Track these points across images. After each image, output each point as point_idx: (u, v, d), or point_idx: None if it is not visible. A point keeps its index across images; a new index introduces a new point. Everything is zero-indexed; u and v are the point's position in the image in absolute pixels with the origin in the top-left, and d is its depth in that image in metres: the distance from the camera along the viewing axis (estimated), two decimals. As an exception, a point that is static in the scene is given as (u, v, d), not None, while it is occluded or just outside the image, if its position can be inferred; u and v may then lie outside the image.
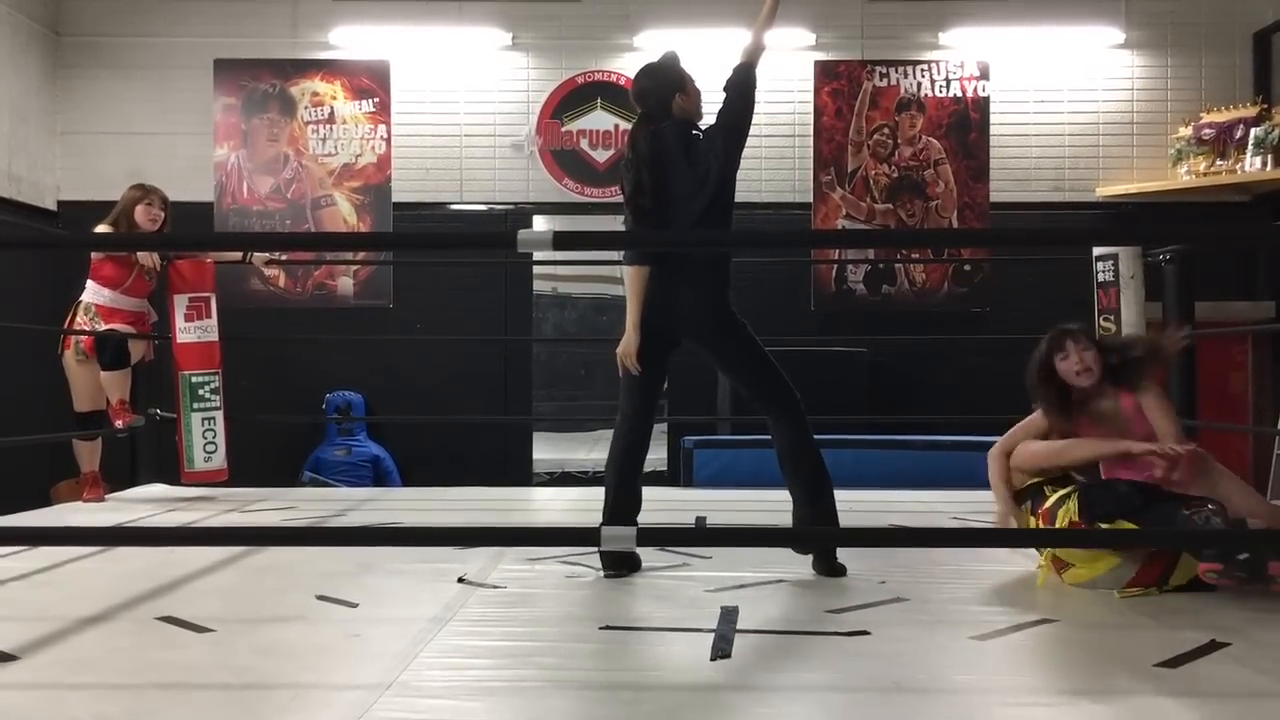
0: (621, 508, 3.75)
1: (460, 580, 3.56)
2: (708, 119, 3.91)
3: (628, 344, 3.75)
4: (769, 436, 3.82)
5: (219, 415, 5.92)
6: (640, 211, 3.74)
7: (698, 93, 3.88)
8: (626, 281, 3.80)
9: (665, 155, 3.74)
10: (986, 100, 8.16)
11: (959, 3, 8.16)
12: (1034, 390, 3.88)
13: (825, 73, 8.18)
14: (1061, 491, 3.56)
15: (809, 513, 3.71)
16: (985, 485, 3.89)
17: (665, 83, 3.82)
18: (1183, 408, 5.85)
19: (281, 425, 8.00)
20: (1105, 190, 8.12)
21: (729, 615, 3.10)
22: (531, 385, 8.51)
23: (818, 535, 3.79)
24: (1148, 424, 3.69)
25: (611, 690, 2.48)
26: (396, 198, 8.18)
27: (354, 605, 3.27)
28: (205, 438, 5.88)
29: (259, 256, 6.38)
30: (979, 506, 5.01)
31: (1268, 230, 6.29)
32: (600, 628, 3.00)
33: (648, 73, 3.88)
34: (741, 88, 3.83)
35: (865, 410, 7.36)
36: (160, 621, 3.06)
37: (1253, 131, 7.58)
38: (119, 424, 5.55)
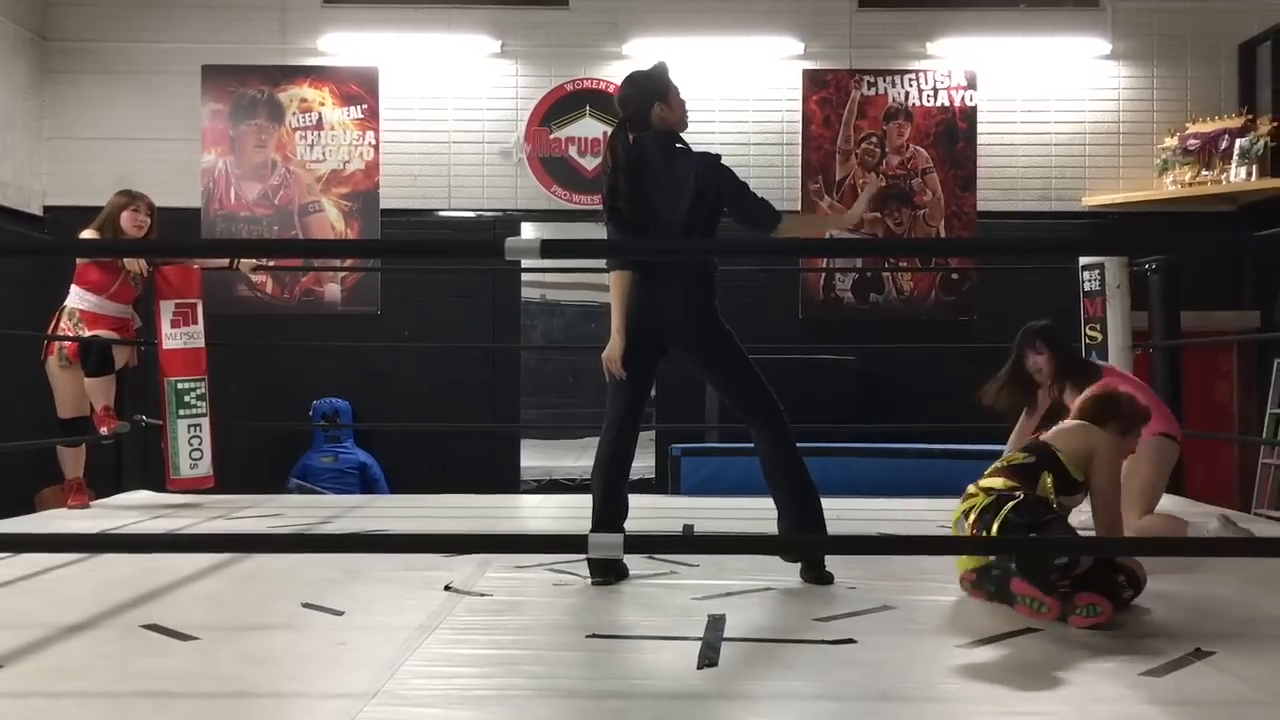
0: (608, 514, 3.76)
1: (447, 588, 3.55)
2: (705, 139, 3.89)
3: (612, 349, 3.75)
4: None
5: (205, 422, 5.90)
6: (616, 214, 3.75)
7: (681, 104, 3.84)
8: (610, 287, 3.80)
9: (643, 165, 3.74)
10: (974, 110, 8.20)
11: (946, 13, 8.20)
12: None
13: (813, 81, 8.20)
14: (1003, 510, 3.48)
15: (797, 522, 3.72)
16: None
17: (647, 91, 3.81)
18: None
19: (268, 432, 7.98)
20: (1092, 200, 8.16)
21: (716, 623, 3.10)
22: (519, 392, 8.50)
23: (804, 543, 3.79)
24: None
25: (598, 698, 2.48)
26: (384, 204, 8.18)
27: (340, 613, 3.26)
28: (191, 444, 5.86)
29: (246, 261, 6.38)
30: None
31: (1252, 240, 6.32)
32: (587, 635, 3.00)
33: (632, 80, 3.87)
34: (770, 226, 3.81)
35: (853, 418, 7.37)
36: (145, 629, 3.05)
37: (1238, 142, 7.63)
38: (103, 430, 5.52)
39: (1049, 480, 3.37)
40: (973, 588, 2.98)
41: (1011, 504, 3.24)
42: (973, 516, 3.33)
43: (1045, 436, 3.58)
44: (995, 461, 3.58)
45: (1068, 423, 3.64)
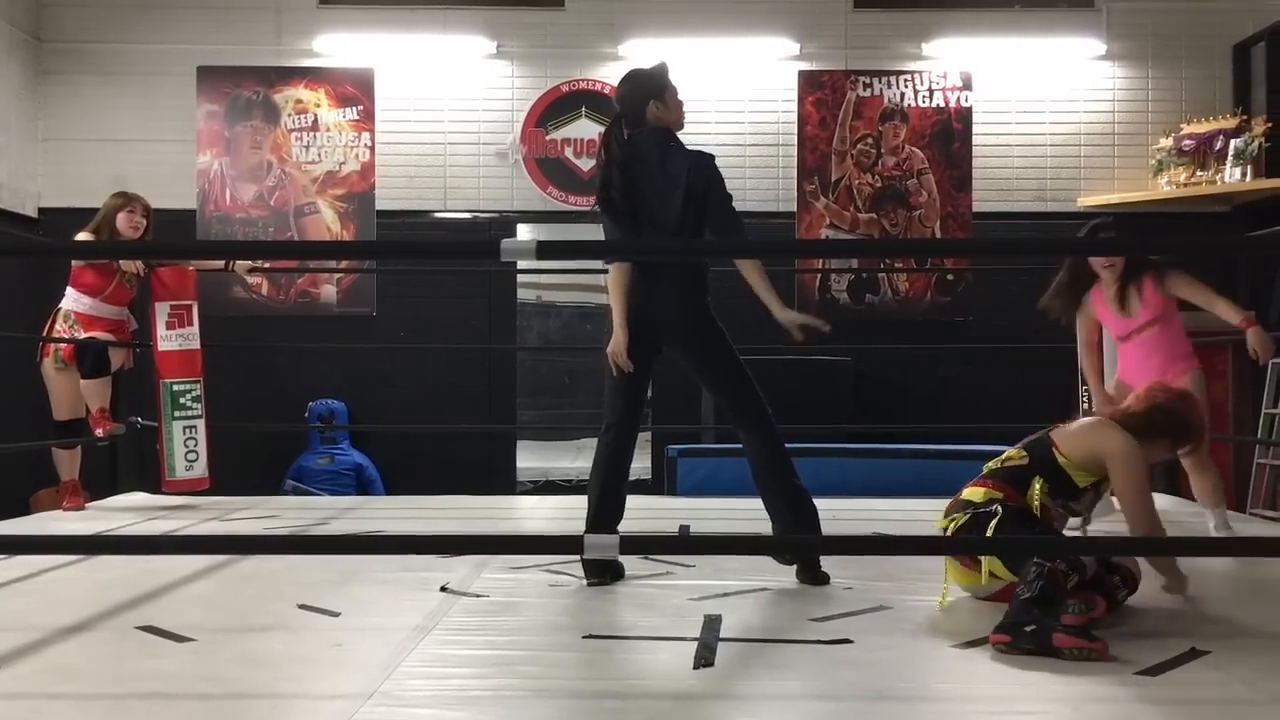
0: (604, 515, 3.76)
1: (443, 589, 3.55)
2: (701, 140, 3.89)
3: (616, 343, 3.76)
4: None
5: (200, 423, 5.89)
6: (610, 205, 3.77)
7: (678, 104, 3.85)
8: (609, 281, 3.81)
9: (637, 160, 3.75)
10: (969, 110, 8.21)
11: (942, 13, 8.21)
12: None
13: (809, 83, 8.21)
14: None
15: (792, 523, 3.71)
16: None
17: (643, 89, 3.82)
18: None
19: (264, 433, 7.97)
20: (1087, 200, 8.17)
21: (712, 624, 3.10)
22: (515, 394, 8.50)
23: (800, 543, 3.79)
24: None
25: (595, 699, 2.48)
26: (380, 205, 8.17)
27: (336, 614, 3.26)
28: (187, 446, 5.86)
29: (241, 263, 6.39)
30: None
31: (1246, 240, 6.34)
32: (583, 636, 3.00)
33: (630, 78, 3.89)
34: (735, 232, 3.81)
35: (849, 418, 7.38)
36: (140, 631, 3.05)
37: (1232, 143, 7.64)
38: (99, 432, 5.52)
39: (1038, 486, 3.29)
40: (1009, 648, 2.81)
41: (994, 523, 3.19)
42: (950, 532, 3.31)
43: (1055, 433, 3.44)
44: (990, 462, 3.49)
45: (1084, 420, 3.49)
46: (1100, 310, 4.76)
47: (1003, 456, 3.48)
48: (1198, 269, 4.76)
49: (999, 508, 3.23)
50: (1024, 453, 3.42)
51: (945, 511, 3.43)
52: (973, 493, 3.35)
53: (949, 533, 3.33)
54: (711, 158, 3.79)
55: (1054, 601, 2.86)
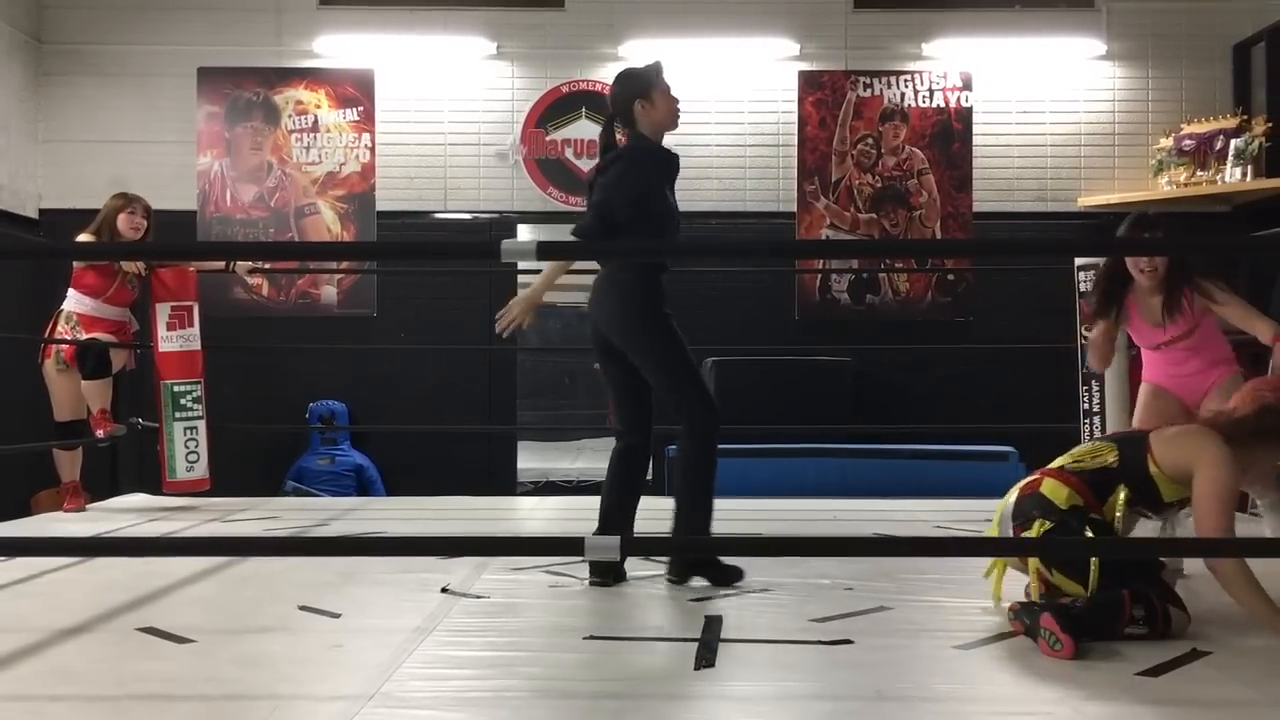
0: (614, 516, 3.80)
1: (444, 590, 3.55)
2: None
3: (519, 297, 3.79)
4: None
5: (201, 424, 5.90)
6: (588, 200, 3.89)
7: (667, 104, 3.79)
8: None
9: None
10: (969, 111, 8.20)
11: (942, 14, 8.21)
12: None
13: (809, 83, 8.21)
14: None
15: (683, 529, 3.73)
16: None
17: (630, 89, 3.82)
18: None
19: (264, 435, 7.97)
20: (1087, 201, 8.17)
21: (713, 624, 3.10)
22: (516, 394, 8.50)
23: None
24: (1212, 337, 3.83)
25: (595, 700, 2.48)
26: (380, 206, 8.17)
27: (336, 616, 3.26)
28: (187, 447, 5.86)
29: (242, 265, 6.40)
30: (962, 516, 5.03)
31: (1247, 241, 6.34)
32: (584, 637, 3.00)
33: (619, 78, 3.91)
34: (576, 234, 3.80)
35: (849, 419, 7.38)
36: (141, 632, 3.05)
37: (1233, 143, 7.64)
38: (100, 433, 5.52)
39: (1122, 496, 3.04)
40: (1014, 618, 2.85)
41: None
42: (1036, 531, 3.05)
43: (1154, 435, 3.12)
44: (1078, 450, 3.21)
45: (1184, 427, 3.15)
46: (1133, 318, 4.07)
47: (1090, 449, 3.21)
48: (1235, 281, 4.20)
49: (1089, 529, 3.00)
50: (1116, 453, 3.12)
51: (1016, 500, 3.16)
52: (1055, 491, 3.07)
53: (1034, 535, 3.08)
54: (630, 160, 3.74)
55: (1091, 627, 2.84)
